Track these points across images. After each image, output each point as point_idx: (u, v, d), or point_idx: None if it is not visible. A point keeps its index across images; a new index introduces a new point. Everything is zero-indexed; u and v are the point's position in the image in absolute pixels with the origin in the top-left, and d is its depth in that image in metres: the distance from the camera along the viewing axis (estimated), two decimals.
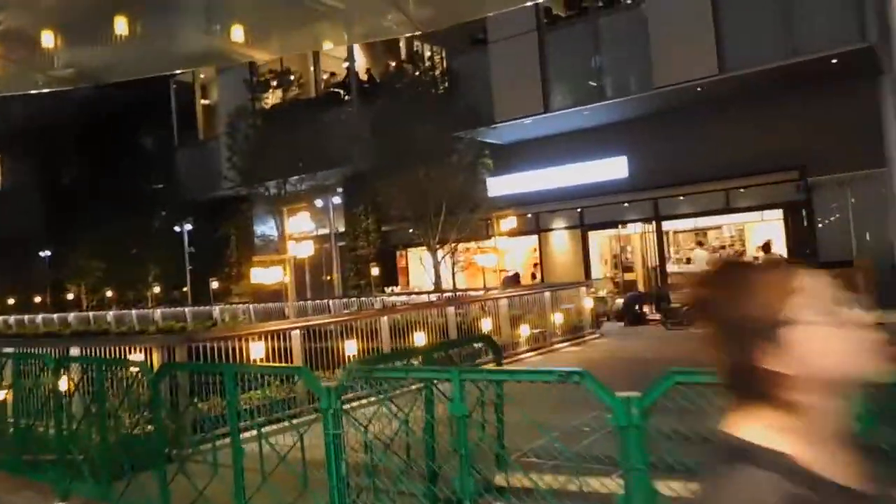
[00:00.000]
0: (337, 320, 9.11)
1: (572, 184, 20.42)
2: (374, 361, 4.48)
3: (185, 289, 28.15)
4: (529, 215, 22.47)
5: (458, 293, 19.53)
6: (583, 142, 20.17)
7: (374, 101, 21.96)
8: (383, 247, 24.90)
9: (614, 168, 19.97)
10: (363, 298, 21.14)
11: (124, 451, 5.48)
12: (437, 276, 19.83)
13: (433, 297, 18.86)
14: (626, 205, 20.46)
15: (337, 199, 24.33)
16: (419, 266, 25.77)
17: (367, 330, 9.66)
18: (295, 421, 8.07)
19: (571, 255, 21.93)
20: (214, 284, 25.88)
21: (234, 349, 7.93)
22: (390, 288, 24.25)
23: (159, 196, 28.63)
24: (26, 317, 31.57)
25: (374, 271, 23.14)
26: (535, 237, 23.33)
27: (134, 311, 25.84)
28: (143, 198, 28.50)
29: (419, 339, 10.36)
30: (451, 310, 11.09)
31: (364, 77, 24.23)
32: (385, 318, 9.77)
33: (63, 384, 6.30)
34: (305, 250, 9.09)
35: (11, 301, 37.38)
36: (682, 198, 19.56)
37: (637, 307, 17.59)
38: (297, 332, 8.48)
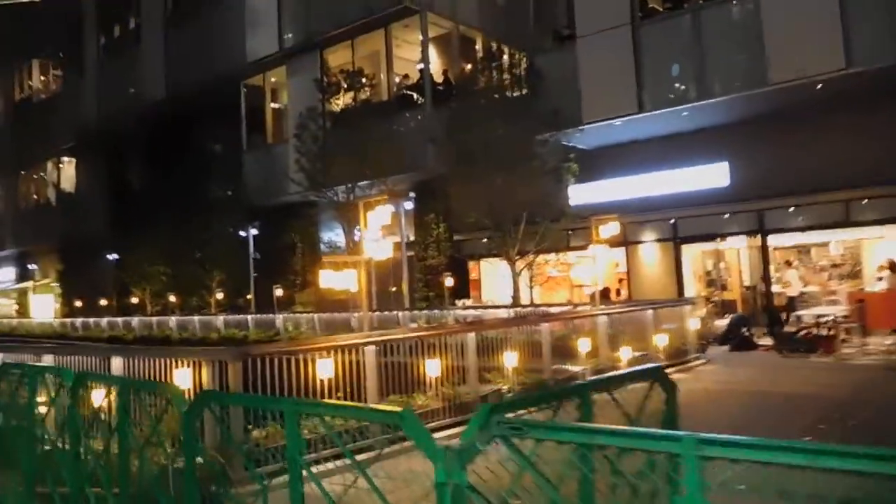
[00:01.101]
0: (418, 335, 7.68)
1: (665, 192, 18.64)
2: (516, 404, 2.88)
3: (248, 296, 27.29)
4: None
5: (538, 308, 17.93)
6: (678, 146, 18.39)
7: (449, 104, 20.63)
8: (455, 257, 23.47)
9: (714, 175, 18.10)
10: (433, 311, 19.75)
11: (152, 491, 4.13)
12: (516, 290, 18.27)
13: (510, 312, 17.34)
14: (726, 216, 18.52)
15: (409, 205, 23.05)
16: (493, 278, 24.33)
17: (450, 347, 8.18)
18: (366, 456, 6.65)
19: (662, 270, 20.06)
20: (278, 292, 24.86)
21: (297, 365, 6.57)
22: (461, 301, 22.80)
23: (225, 201, 27.91)
24: (92, 320, 31.32)
25: (446, 282, 21.67)
26: (620, 250, 21.57)
27: (196, 318, 25.04)
28: (208, 202, 27.84)
29: (510, 359, 8.83)
30: (545, 326, 9.52)
31: (439, 79, 22.96)
32: (472, 334, 8.28)
33: (92, 404, 5.04)
34: (384, 251, 7.69)
35: (79, 303, 37.46)
36: (791, 209, 17.51)
37: (744, 330, 15.64)
38: (372, 348, 7.07)
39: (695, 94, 15.70)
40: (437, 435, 7.71)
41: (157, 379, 6.97)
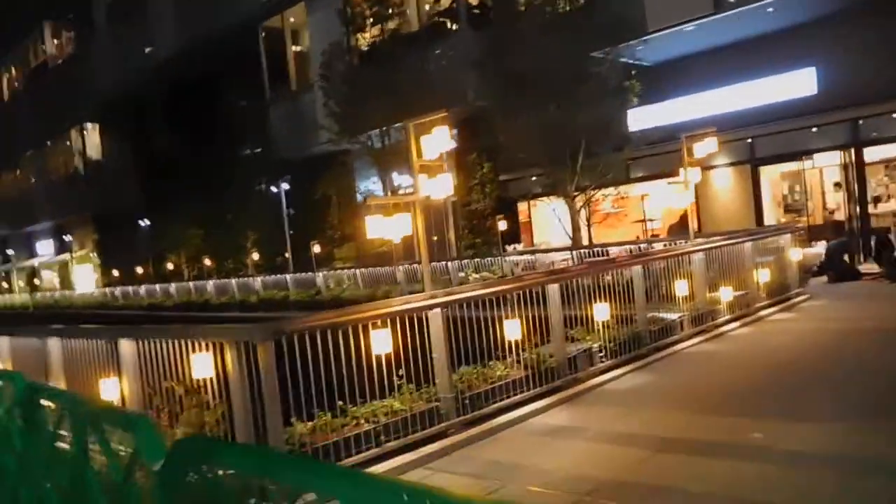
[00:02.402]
0: (492, 290, 6.04)
1: (740, 108, 16.45)
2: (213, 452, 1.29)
3: (286, 254, 25.96)
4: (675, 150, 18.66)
5: (606, 248, 16.16)
6: (756, 53, 16.09)
7: (489, 28, 18.57)
8: (503, 198, 21.69)
9: (798, 83, 15.87)
10: (484, 259, 18.15)
11: None
12: (576, 230, 16.52)
13: (573, 255, 15.63)
14: (813, 130, 16.33)
15: (451, 144, 21.23)
16: (545, 219, 22.53)
17: (529, 302, 6.55)
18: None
19: (737, 196, 18.03)
20: (316, 249, 23.42)
21: (346, 338, 5.01)
22: (512, 246, 21.13)
23: (253, 157, 26.43)
24: (131, 288, 30.52)
25: (498, 226, 19.96)
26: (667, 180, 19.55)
27: (234, 281, 23.84)
28: (236, 160, 26.38)
29: (600, 311, 7.18)
30: (637, 269, 7.81)
31: (474, 1, 20.83)
32: (555, 285, 6.62)
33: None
34: (443, 188, 6.03)
35: (116, 273, 36.75)
36: (895, 115, 15.21)
37: (845, 258, 13.71)
38: (438, 311, 5.47)
39: None
40: (523, 410, 6.15)
41: (173, 367, 5.50)
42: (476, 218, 22.19)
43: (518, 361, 6.31)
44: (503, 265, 17.22)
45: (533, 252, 18.28)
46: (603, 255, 15.97)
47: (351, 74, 20.37)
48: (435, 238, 23.82)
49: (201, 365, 5.11)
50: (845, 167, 18.29)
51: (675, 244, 12.57)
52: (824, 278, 13.46)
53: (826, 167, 18.17)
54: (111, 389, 6.19)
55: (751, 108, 16.23)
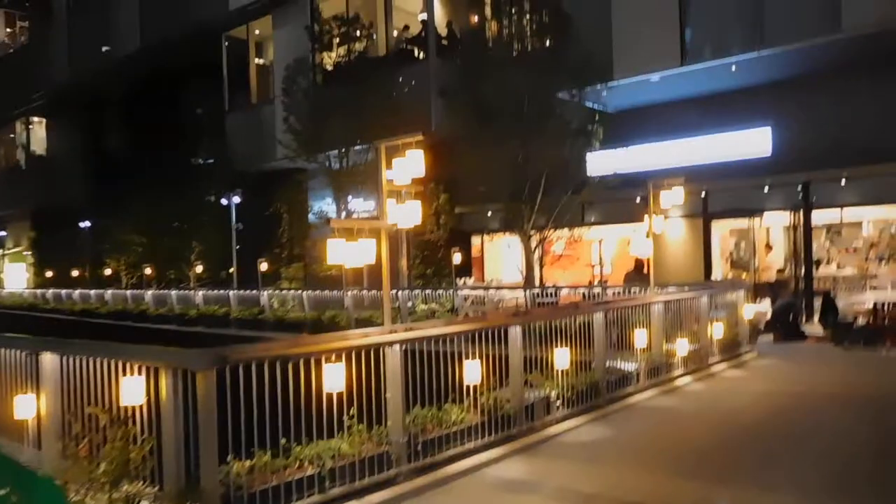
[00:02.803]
0: (455, 329, 5.74)
1: (697, 161, 16.68)
2: None
3: (230, 269, 25.18)
4: (638, 199, 18.80)
5: (552, 289, 16.07)
6: (717, 109, 16.44)
7: (455, 59, 18.50)
8: (457, 231, 21.49)
9: (754, 142, 16.23)
10: (433, 291, 17.82)
11: None
12: (530, 268, 16.38)
13: (527, 293, 15.48)
14: (765, 189, 16.64)
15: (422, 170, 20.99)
16: (497, 255, 22.41)
17: (489, 342, 6.26)
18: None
19: (688, 248, 18.21)
20: (263, 266, 22.76)
21: (297, 372, 4.64)
22: (463, 280, 20.89)
23: (206, 165, 25.70)
24: (64, 291, 29.22)
25: (454, 259, 19.70)
26: (638, 225, 19.70)
27: (174, 292, 22.96)
28: (189, 167, 25.63)
29: (561, 357, 6.95)
30: (598, 316, 7.62)
31: (443, 32, 20.80)
32: (517, 327, 6.37)
33: None
34: (411, 216, 5.74)
35: (50, 273, 35.21)
36: (843, 181, 15.61)
37: (791, 318, 13.86)
38: (397, 347, 5.15)
39: (751, 43, 13.63)
40: (478, 459, 5.81)
41: (99, 389, 5.03)
42: (429, 248, 21.93)
43: (474, 405, 6.01)
44: (454, 298, 16.96)
45: (485, 288, 18.10)
46: (554, 297, 15.92)
47: (314, 92, 20.03)
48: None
49: (131, 390, 4.64)
50: (794, 228, 18.74)
51: (631, 292, 12.53)
52: (769, 336, 13.57)
53: (773, 226, 18.60)
54: (27, 407, 5.66)
55: (707, 163, 16.46)
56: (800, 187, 16.17)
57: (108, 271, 30.77)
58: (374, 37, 20.69)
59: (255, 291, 20.07)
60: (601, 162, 17.32)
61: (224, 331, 19.44)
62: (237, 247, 24.52)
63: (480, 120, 15.62)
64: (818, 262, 17.61)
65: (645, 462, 5.61)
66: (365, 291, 17.85)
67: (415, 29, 21.48)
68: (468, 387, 5.97)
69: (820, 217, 16.89)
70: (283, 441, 4.76)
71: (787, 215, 17.00)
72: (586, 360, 7.68)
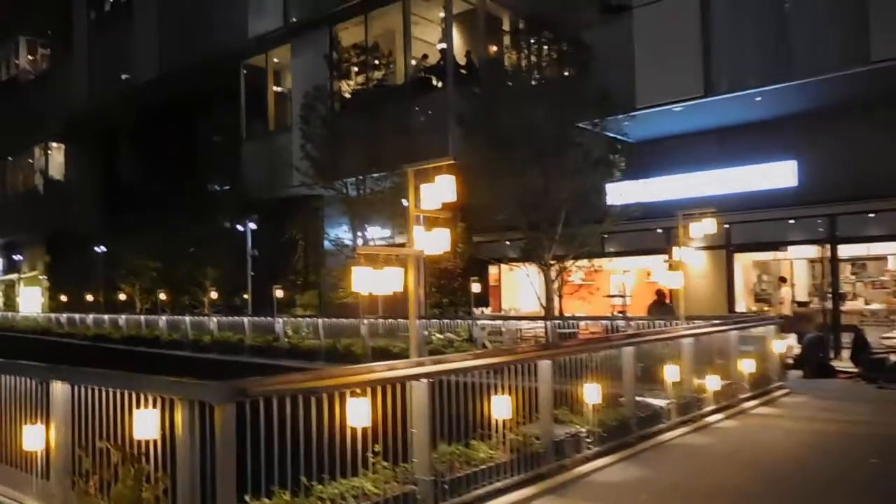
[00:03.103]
0: (484, 363, 5.46)
1: (719, 193, 16.39)
2: None
3: (245, 295, 25.00)
4: (659, 230, 18.54)
5: (573, 321, 15.77)
6: (740, 140, 16.24)
7: (473, 88, 18.42)
8: (474, 260, 21.23)
9: (779, 174, 15.97)
10: (449, 321, 17.52)
11: None
12: (550, 299, 16.08)
13: (548, 324, 15.19)
14: (790, 221, 16.34)
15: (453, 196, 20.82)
16: (513, 285, 22.12)
17: (517, 376, 5.98)
18: None
19: (710, 281, 17.85)
20: (279, 293, 22.55)
21: (319, 406, 4.38)
22: (480, 309, 20.59)
23: (222, 192, 25.65)
24: (78, 316, 29.11)
25: (472, 288, 19.44)
26: (660, 257, 19.40)
27: (188, 318, 22.77)
28: (204, 193, 25.59)
29: (591, 392, 6.66)
30: (628, 350, 7.33)
31: (462, 61, 20.78)
32: (546, 361, 6.10)
33: None
34: (440, 243, 5.52)
35: (64, 298, 35.19)
36: (872, 215, 15.31)
37: (821, 354, 13.46)
38: (424, 382, 4.89)
39: (776, 75, 13.40)
40: (507, 499, 5.54)
41: (111, 421, 4.79)
42: (445, 277, 21.69)
43: (502, 442, 5.72)
44: (471, 328, 16.66)
45: (503, 318, 17.80)
46: (574, 328, 15.60)
47: (331, 119, 19.98)
48: (395, 293, 23.23)
49: (145, 424, 4.41)
50: (820, 261, 18.38)
51: (655, 325, 12.19)
52: (799, 372, 13.17)
53: (797, 260, 18.26)
54: (36, 438, 5.41)
55: (731, 194, 16.18)
56: (825, 220, 15.85)
57: (122, 296, 30.69)
58: (393, 66, 20.65)
59: (269, 318, 19.85)
60: (621, 192, 17.09)
61: (237, 357, 19.18)
62: (252, 273, 24.38)
63: (499, 149, 15.46)
64: (843, 296, 17.20)
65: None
66: (381, 320, 17.59)
67: (433, 58, 21.49)
68: (496, 422, 5.68)
69: (845, 251, 16.55)
70: (303, 479, 4.50)
71: (812, 248, 16.69)
72: (614, 395, 7.39)
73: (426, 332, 17.07)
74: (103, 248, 32.01)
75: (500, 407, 5.54)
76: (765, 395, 10.43)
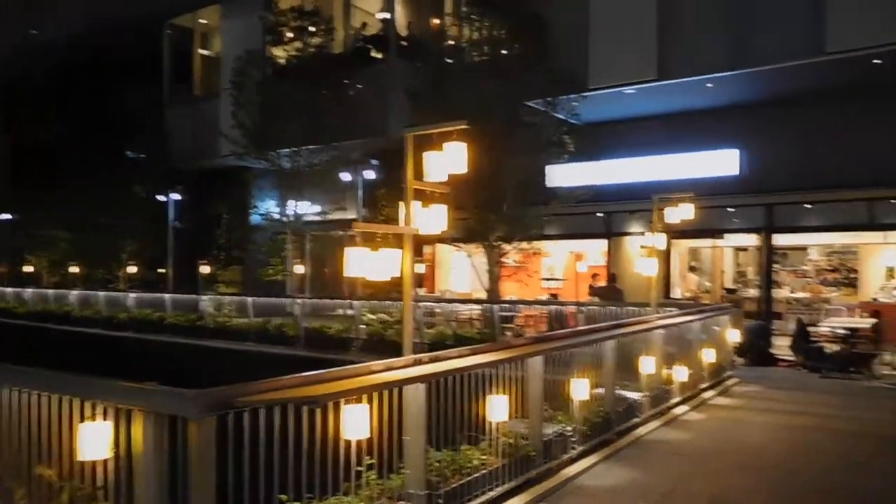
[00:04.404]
0: (485, 360, 4.88)
1: (664, 178, 16.34)
2: None
3: (165, 270, 23.59)
4: (600, 214, 18.44)
5: (517, 304, 15.45)
6: (687, 127, 16.22)
7: (417, 62, 17.69)
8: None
9: (722, 162, 16.01)
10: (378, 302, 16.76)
11: None
12: (494, 281, 15.69)
13: (475, 308, 14.83)
14: (730, 209, 16.48)
15: (372, 175, 20.09)
16: (449, 266, 21.66)
17: (508, 374, 5.46)
18: None
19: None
20: (205, 269, 21.32)
21: (311, 417, 3.75)
22: (414, 290, 19.96)
23: (143, 160, 24.04)
24: None
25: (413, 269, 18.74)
26: (597, 242, 19.34)
27: (102, 294, 21.27)
28: (122, 161, 23.93)
29: (579, 388, 6.25)
30: (610, 341, 6.95)
31: (404, 33, 19.99)
32: (538, 358, 5.62)
33: None
34: (437, 221, 4.95)
35: None
36: (808, 206, 15.60)
37: (763, 342, 13.59)
38: (421, 386, 4.33)
39: (731, 61, 13.31)
40: None
41: (51, 436, 3.97)
42: None
43: (494, 445, 5.21)
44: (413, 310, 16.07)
45: (445, 300, 17.32)
46: (514, 311, 15.28)
47: (266, 86, 18.87)
48: (327, 270, 22.45)
49: (93, 441, 3.62)
50: (747, 250, 18.72)
51: (608, 311, 11.96)
52: (741, 360, 13.25)
53: (731, 247, 18.58)
54: None
55: (674, 180, 16.09)
56: (763, 210, 16.07)
57: (29, 268, 28.59)
58: (333, 34, 19.63)
59: (193, 296, 18.70)
60: (567, 174, 16.85)
61: (157, 337, 18.00)
62: (174, 247, 23.01)
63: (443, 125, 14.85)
64: (774, 285, 17.58)
65: None
66: (318, 300, 16.83)
67: (375, 28, 20.61)
68: (491, 424, 5.17)
69: (779, 241, 16.85)
70: (283, 498, 3.87)
71: (748, 237, 16.94)
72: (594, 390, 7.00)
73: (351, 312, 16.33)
74: (8, 216, 29.66)
75: (497, 408, 5.03)
76: (720, 385, 10.36)
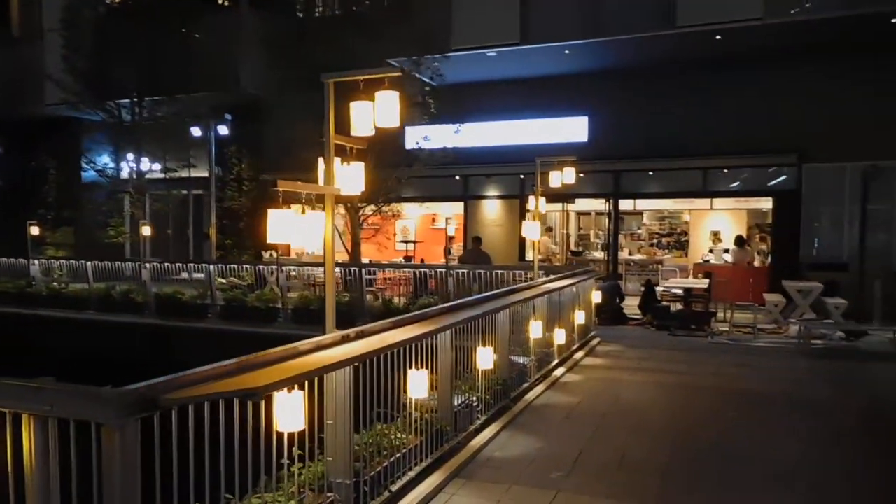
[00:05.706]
0: (404, 339, 4.66)
1: (519, 143, 16.81)
2: None
3: None
4: (457, 177, 18.56)
5: (375, 267, 15.22)
6: (543, 93, 16.65)
7: (271, 10, 16.75)
8: (261, 199, 19.74)
9: (574, 129, 16.64)
10: (225, 265, 15.99)
11: None
12: (356, 244, 15.39)
13: (351, 271, 14.49)
14: (581, 175, 17.14)
15: (225, 130, 18.85)
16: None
17: (421, 348, 5.30)
18: None
19: (504, 230, 18.33)
20: (35, 231, 19.17)
21: (241, 409, 3.38)
22: (269, 253, 19.24)
23: None
24: None
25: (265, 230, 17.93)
26: (453, 205, 19.53)
27: None
28: None
29: (485, 356, 6.24)
30: (505, 309, 6.97)
31: None
32: (447, 332, 5.51)
33: None
34: (354, 181, 4.64)
35: None
36: (651, 173, 16.61)
37: (617, 300, 14.36)
38: (348, 370, 4.07)
39: (588, 30, 13.80)
40: (420, 492, 4.89)
41: None
42: (228, 217, 19.99)
43: (405, 421, 5.07)
44: (255, 273, 15.44)
45: (302, 264, 16.75)
46: (373, 274, 15.09)
47: (100, 27, 17.08)
48: (169, 232, 21.05)
49: None
50: (600, 214, 19.71)
51: (477, 274, 12.10)
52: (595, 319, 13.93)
53: (575, 211, 19.51)
54: None
55: (526, 145, 16.52)
56: (609, 176, 16.93)
57: None
58: None
59: (22, 260, 16.82)
60: (417, 137, 16.75)
61: None
62: None
63: (298, 81, 14.18)
64: (605, 248, 18.67)
65: (592, 484, 5.08)
66: (168, 264, 15.70)
67: None
68: (411, 401, 5.01)
69: (623, 205, 17.90)
70: None
71: (596, 202, 17.86)
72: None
73: (199, 274, 15.49)
74: None
75: (417, 384, 4.87)
76: (586, 346, 10.82)
